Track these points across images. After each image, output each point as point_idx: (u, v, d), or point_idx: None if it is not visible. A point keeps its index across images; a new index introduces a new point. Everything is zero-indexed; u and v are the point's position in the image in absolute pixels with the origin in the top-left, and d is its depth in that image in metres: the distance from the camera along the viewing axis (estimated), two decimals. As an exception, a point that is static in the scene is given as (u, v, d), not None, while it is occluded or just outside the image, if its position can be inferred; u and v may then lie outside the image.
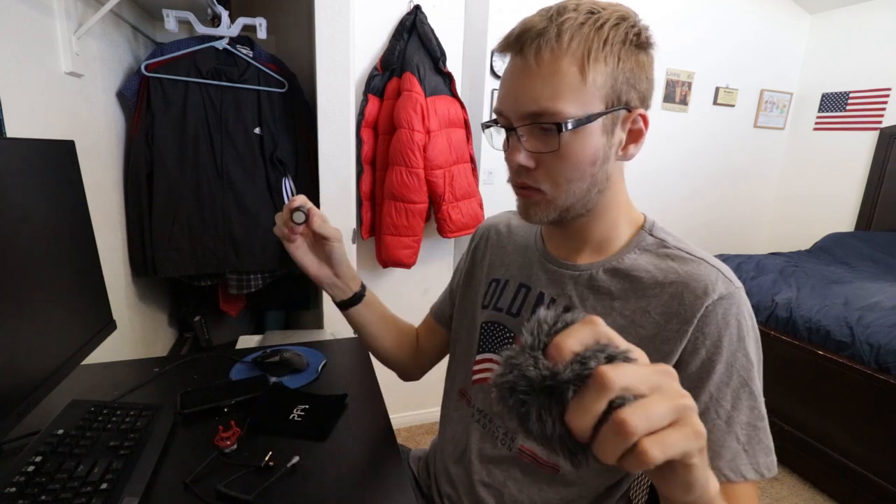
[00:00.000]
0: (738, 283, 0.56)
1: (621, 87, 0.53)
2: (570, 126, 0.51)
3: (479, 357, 0.75)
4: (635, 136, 0.56)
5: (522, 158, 0.55)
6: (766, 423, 0.55)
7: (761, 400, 0.55)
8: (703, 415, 0.54)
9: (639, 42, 0.53)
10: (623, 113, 0.54)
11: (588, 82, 0.51)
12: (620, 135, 0.56)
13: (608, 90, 0.52)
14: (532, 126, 0.54)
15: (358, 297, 0.78)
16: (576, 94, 0.51)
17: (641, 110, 0.55)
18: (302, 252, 0.73)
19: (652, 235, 0.62)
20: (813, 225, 2.88)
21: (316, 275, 0.74)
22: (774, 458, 0.54)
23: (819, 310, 1.84)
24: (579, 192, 0.56)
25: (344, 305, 0.78)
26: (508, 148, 0.57)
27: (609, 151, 0.55)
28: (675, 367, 0.55)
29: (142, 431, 0.67)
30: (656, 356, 0.56)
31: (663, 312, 0.56)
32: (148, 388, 0.86)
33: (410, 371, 0.90)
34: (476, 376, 0.75)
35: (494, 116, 0.58)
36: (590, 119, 0.52)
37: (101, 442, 0.64)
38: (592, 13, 0.51)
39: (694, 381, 0.54)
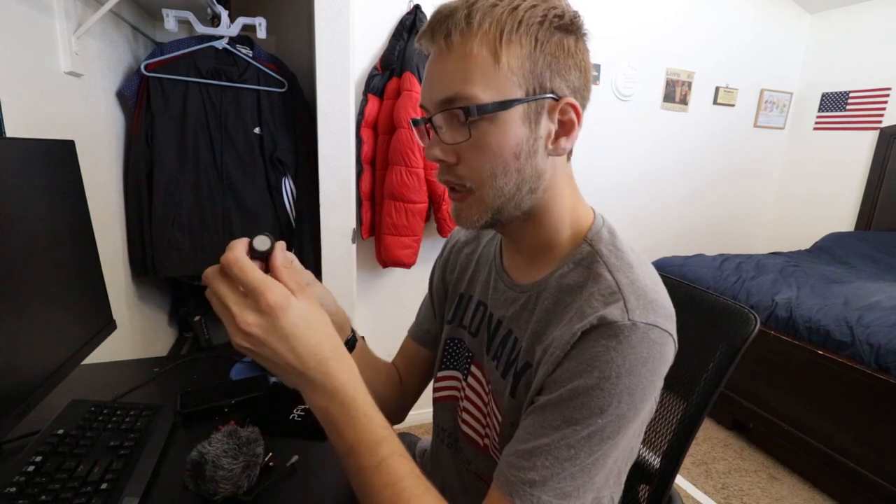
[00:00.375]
0: (646, 318, 0.46)
1: (542, 73, 0.48)
2: (478, 111, 0.47)
3: (440, 374, 0.72)
4: (567, 129, 0.52)
5: (438, 152, 0.52)
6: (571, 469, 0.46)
7: (589, 449, 0.46)
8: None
9: (562, 24, 0.49)
10: (549, 102, 0.50)
11: (502, 65, 0.47)
12: (549, 126, 0.51)
13: (526, 75, 0.48)
14: (447, 114, 0.50)
15: (350, 345, 0.67)
16: (488, 78, 0.47)
17: (570, 99, 0.50)
18: None
19: (590, 245, 0.55)
20: (813, 225, 2.87)
21: None
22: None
23: (819, 309, 1.84)
24: (507, 188, 0.51)
25: None
26: (429, 142, 0.53)
27: (535, 144, 0.50)
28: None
29: (142, 431, 0.67)
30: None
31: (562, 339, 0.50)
32: (148, 388, 0.86)
33: (398, 413, 0.82)
34: (437, 394, 0.73)
35: None
36: (504, 105, 0.48)
37: (101, 442, 0.64)
38: None
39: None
